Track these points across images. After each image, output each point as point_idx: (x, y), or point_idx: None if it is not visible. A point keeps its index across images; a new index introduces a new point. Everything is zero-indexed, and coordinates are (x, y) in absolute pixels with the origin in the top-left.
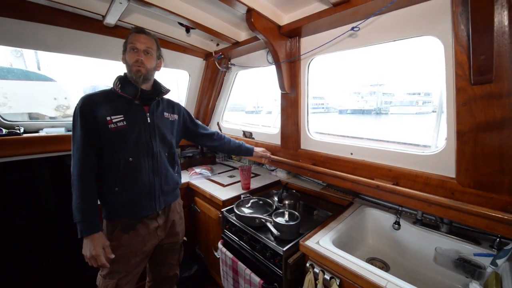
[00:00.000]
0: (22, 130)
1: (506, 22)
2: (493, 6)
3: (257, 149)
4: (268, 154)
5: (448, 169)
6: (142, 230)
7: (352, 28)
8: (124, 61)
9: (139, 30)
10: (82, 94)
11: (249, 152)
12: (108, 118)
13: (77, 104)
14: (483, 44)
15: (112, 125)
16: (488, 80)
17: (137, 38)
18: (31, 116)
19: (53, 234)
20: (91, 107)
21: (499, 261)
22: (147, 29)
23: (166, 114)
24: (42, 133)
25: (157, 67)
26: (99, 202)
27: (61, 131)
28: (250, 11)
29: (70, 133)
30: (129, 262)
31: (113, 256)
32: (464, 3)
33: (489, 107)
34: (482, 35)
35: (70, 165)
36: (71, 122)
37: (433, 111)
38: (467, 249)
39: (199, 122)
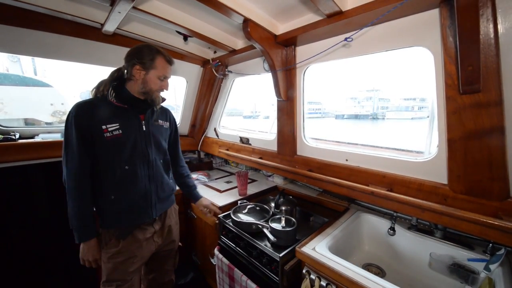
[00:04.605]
0: (17, 136)
1: (492, 35)
2: (478, 19)
3: (205, 200)
4: (213, 209)
5: (440, 176)
6: (140, 235)
7: (346, 39)
8: (142, 80)
9: (172, 62)
10: (79, 99)
11: (196, 197)
12: (104, 127)
13: (71, 112)
14: (470, 55)
15: (108, 134)
16: (476, 90)
17: (168, 71)
18: (27, 122)
19: (47, 241)
20: (86, 116)
21: (492, 266)
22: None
23: (160, 121)
24: (38, 139)
25: None
26: (94, 209)
27: (57, 137)
28: (246, 21)
29: None
30: (128, 269)
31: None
32: (451, 17)
33: (478, 116)
34: (469, 47)
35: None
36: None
37: (428, 117)
38: (461, 255)
39: (179, 143)
